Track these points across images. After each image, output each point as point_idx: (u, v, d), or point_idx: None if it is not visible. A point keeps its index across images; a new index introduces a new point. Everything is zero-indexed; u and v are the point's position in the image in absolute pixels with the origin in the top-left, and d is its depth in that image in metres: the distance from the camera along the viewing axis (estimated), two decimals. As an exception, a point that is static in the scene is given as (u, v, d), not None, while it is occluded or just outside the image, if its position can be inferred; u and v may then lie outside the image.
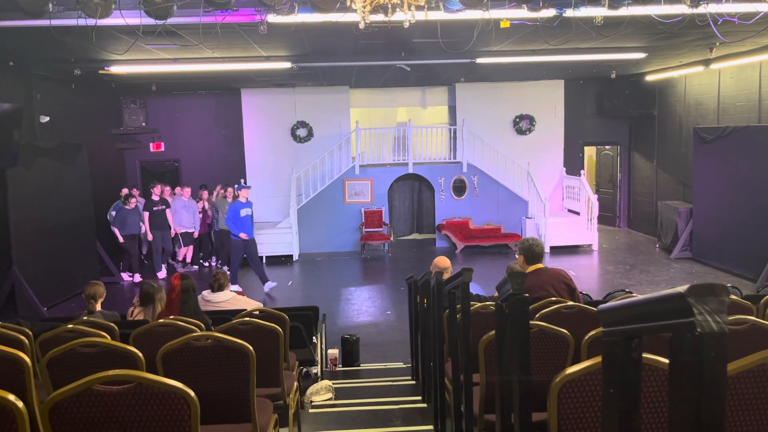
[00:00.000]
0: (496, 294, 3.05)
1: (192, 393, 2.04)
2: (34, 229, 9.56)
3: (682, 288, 0.94)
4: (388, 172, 14.16)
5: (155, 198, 11.78)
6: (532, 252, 4.79)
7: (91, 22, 5.13)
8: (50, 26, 5.41)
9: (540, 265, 4.80)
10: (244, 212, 10.26)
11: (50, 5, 4.99)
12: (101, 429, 2.05)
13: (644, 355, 1.33)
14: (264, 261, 12.60)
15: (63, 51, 8.44)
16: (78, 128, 12.05)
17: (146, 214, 11.64)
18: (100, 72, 10.07)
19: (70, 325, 3.80)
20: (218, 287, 5.89)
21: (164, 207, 11.82)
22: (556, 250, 13.03)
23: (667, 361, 1.30)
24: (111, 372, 2.03)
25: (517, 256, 5.06)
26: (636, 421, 1.17)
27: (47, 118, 10.68)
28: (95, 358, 3.00)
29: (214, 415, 3.11)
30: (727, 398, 1.69)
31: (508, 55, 9.87)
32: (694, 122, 12.56)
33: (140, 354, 2.96)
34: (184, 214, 12.22)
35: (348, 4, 4.64)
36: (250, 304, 5.92)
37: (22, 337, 3.53)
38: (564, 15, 5.97)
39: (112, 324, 4.06)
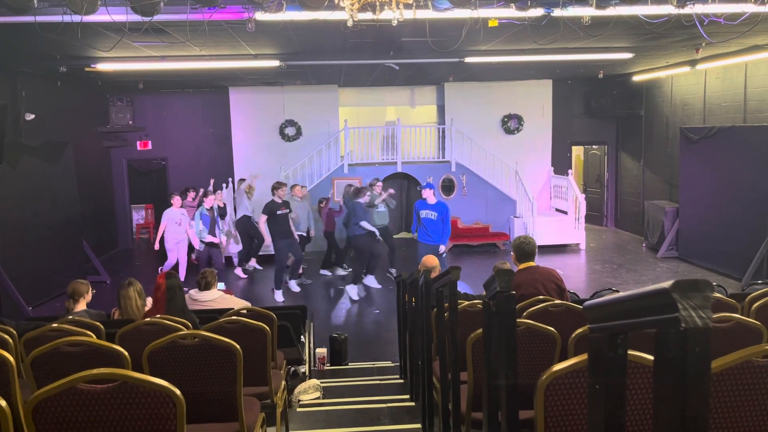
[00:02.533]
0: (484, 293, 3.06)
1: (178, 392, 2.03)
2: (19, 227, 9.46)
3: (666, 284, 0.94)
4: (377, 171, 14.13)
5: (278, 200, 9.83)
6: (522, 250, 4.83)
7: (76, 18, 5.08)
8: (35, 22, 5.35)
9: (532, 263, 4.84)
10: (424, 214, 9.09)
11: (35, 1, 4.94)
12: (85, 428, 2.03)
13: (629, 351, 1.33)
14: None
15: (48, 48, 8.35)
16: (64, 126, 11.94)
17: (263, 218, 9.82)
18: (87, 69, 9.97)
19: (55, 324, 3.76)
20: (205, 286, 5.85)
21: (288, 211, 10.03)
22: (544, 249, 13.05)
23: (652, 357, 1.30)
24: (95, 370, 2.01)
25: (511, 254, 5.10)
26: (621, 417, 1.17)
27: (32, 116, 10.57)
28: (80, 357, 2.98)
29: (201, 414, 3.09)
30: (711, 394, 1.70)
31: (497, 54, 9.89)
32: (681, 122, 12.66)
33: (126, 353, 2.94)
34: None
35: (336, 2, 4.64)
36: (238, 303, 5.89)
37: (6, 336, 3.49)
38: (552, 14, 5.99)
39: (98, 323, 4.03)
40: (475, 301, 4.09)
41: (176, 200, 10.39)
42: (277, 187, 9.86)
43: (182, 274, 10.36)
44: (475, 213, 14.18)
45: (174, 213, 10.24)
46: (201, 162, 15.09)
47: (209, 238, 9.91)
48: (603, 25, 7.04)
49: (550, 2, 5.77)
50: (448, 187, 14.28)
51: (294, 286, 10.29)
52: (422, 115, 16.14)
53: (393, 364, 7.01)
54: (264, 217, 9.69)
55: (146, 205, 16.31)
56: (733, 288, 8.21)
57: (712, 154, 10.93)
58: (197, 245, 9.96)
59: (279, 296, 9.76)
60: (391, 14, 4.69)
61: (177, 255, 10.38)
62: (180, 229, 10.23)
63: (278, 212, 9.63)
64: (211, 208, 10.05)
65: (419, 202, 9.29)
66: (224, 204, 11.59)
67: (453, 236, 13.54)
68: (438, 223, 8.99)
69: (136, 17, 5.24)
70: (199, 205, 10.66)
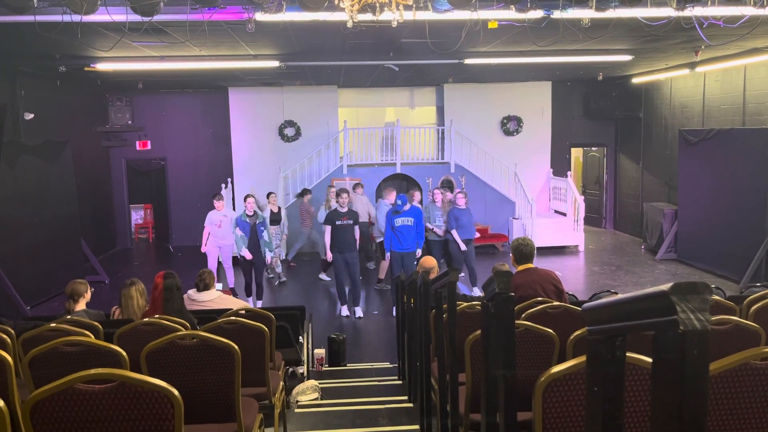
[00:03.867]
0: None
1: (175, 392, 2.03)
2: (17, 227, 9.45)
3: (665, 286, 0.94)
4: (376, 172, 14.15)
5: (341, 208, 8.84)
6: (521, 251, 4.85)
7: (76, 18, 5.08)
8: (35, 22, 5.35)
9: (530, 265, 4.85)
10: (401, 221, 8.90)
11: (35, 0, 4.94)
12: (83, 428, 2.03)
13: (628, 354, 1.33)
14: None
15: (48, 47, 8.35)
16: (63, 126, 11.94)
17: (328, 229, 8.88)
18: (86, 69, 9.97)
19: (53, 324, 3.76)
20: (203, 287, 5.85)
21: (350, 221, 8.85)
22: (543, 251, 13.06)
23: (650, 360, 1.30)
24: (93, 371, 2.01)
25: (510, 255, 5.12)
26: (619, 419, 1.17)
27: (31, 115, 10.56)
28: (78, 357, 2.97)
29: (199, 414, 3.09)
30: (709, 396, 1.70)
31: (496, 56, 9.89)
32: (680, 124, 12.67)
33: (124, 353, 2.93)
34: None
35: (336, 2, 4.64)
36: (237, 303, 5.89)
37: (4, 336, 3.49)
38: (551, 16, 5.99)
39: (96, 323, 4.02)
40: (473, 303, 4.09)
41: (218, 203, 9.63)
42: (339, 194, 8.96)
43: (230, 280, 9.93)
44: (474, 214, 14.08)
45: (215, 215, 9.60)
46: (200, 162, 15.08)
47: (245, 252, 8.93)
48: (602, 27, 7.04)
49: (549, 4, 5.77)
50: (447, 188, 14.28)
51: (359, 311, 9.11)
52: (422, 116, 16.14)
53: (391, 366, 7.01)
54: (328, 228, 8.87)
55: (145, 205, 16.31)
56: (731, 290, 8.21)
57: (710, 157, 10.95)
58: (249, 255, 8.95)
59: (343, 310, 9.15)
60: (390, 15, 4.69)
61: (216, 259, 9.78)
62: (220, 232, 9.57)
63: (337, 222, 8.76)
64: (254, 213, 9.09)
65: (391, 211, 9.17)
66: (279, 208, 10.57)
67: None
68: (413, 229, 8.99)
69: (135, 17, 5.24)
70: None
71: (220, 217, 9.61)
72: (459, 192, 9.98)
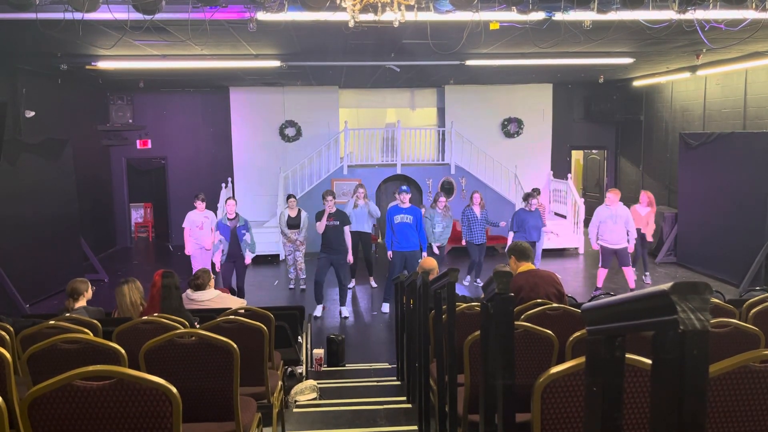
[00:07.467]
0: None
1: (174, 389, 2.03)
2: (17, 224, 9.45)
3: (665, 286, 0.94)
4: (377, 173, 14.15)
5: (329, 209, 8.81)
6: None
7: (78, 15, 5.08)
8: (36, 19, 5.35)
9: (531, 266, 4.85)
10: (399, 218, 8.85)
11: (36, -2, 4.94)
12: (81, 425, 2.02)
13: (627, 355, 1.33)
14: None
15: (49, 45, 8.35)
16: (63, 124, 11.94)
17: (320, 224, 8.91)
18: (87, 67, 9.98)
19: (52, 321, 3.76)
20: (198, 286, 5.83)
21: (336, 223, 8.82)
22: (543, 253, 13.04)
23: (649, 361, 1.30)
24: (91, 367, 2.00)
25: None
26: (618, 419, 1.17)
27: (32, 113, 10.56)
28: (77, 355, 2.97)
29: (197, 412, 3.09)
30: (708, 398, 1.70)
31: (498, 57, 9.90)
32: (680, 128, 12.67)
33: (122, 350, 2.93)
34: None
35: (338, 2, 4.64)
36: (235, 302, 5.88)
37: (3, 333, 3.48)
38: (553, 18, 6.00)
39: (95, 321, 4.02)
40: (472, 304, 4.08)
41: (199, 204, 9.42)
42: (325, 197, 8.94)
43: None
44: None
45: (196, 216, 9.39)
46: (200, 161, 15.09)
47: (217, 258, 8.86)
48: (604, 29, 7.05)
49: (551, 6, 5.77)
50: (447, 189, 14.29)
51: (345, 311, 9.16)
52: (422, 118, 16.15)
53: (390, 366, 7.00)
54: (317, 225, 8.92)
55: (145, 203, 16.32)
56: (731, 294, 8.21)
57: (711, 160, 10.94)
58: (217, 261, 9.01)
59: (318, 311, 9.06)
60: (392, 15, 4.70)
61: (201, 263, 9.23)
62: (202, 234, 9.37)
63: (327, 223, 8.82)
64: (236, 216, 8.95)
65: (391, 208, 9.08)
66: (298, 212, 10.04)
67: (451, 239, 13.54)
68: (413, 228, 8.88)
69: (137, 15, 5.25)
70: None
71: (202, 219, 9.43)
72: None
